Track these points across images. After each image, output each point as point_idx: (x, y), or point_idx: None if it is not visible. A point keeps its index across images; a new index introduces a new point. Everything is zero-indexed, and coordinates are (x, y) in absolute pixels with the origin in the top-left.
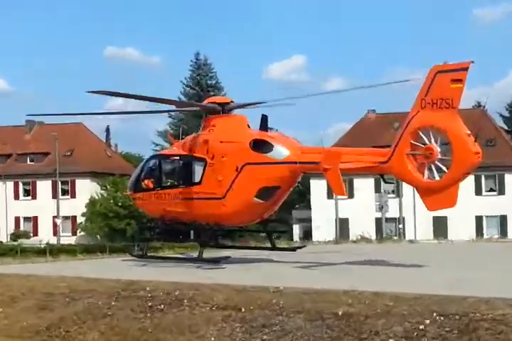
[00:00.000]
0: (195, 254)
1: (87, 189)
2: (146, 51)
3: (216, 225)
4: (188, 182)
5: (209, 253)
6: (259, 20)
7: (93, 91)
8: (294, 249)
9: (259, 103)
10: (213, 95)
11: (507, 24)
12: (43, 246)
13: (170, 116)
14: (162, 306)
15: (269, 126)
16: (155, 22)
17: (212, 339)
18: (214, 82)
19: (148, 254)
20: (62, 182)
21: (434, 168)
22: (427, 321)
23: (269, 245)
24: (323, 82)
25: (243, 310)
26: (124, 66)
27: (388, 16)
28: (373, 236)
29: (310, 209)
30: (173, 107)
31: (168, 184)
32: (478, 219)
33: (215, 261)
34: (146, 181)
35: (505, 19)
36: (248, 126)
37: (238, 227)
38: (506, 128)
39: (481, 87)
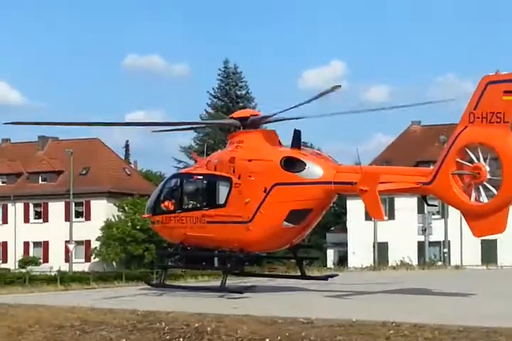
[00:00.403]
0: (218, 283)
1: (103, 211)
2: (169, 59)
3: (241, 251)
4: (211, 204)
5: (233, 282)
6: (292, 22)
7: (12, 123)
8: (325, 278)
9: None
10: (243, 107)
11: None
12: (53, 273)
13: (195, 131)
14: (181, 339)
15: (303, 139)
16: (180, 27)
17: None
18: (244, 92)
19: (166, 283)
20: (76, 204)
21: (482, 190)
22: None
23: (298, 273)
24: (364, 91)
25: None
26: (146, 75)
27: (436, 18)
28: (415, 262)
29: (346, 232)
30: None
31: (190, 206)
32: None
33: (239, 291)
34: (165, 203)
35: None
36: (279, 142)
37: (265, 253)
38: None
39: None
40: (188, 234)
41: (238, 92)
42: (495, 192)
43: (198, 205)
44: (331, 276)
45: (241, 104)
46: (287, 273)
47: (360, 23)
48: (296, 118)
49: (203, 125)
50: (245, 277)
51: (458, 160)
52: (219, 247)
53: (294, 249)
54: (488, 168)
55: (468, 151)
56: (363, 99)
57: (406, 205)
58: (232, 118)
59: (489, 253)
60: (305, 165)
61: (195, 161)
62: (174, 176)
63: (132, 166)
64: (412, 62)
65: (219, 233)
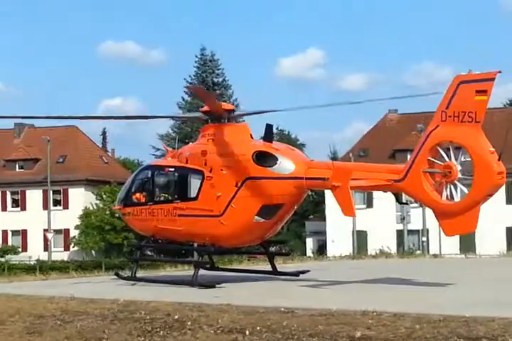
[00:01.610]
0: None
1: (81, 199)
2: (147, 46)
3: (212, 246)
4: (183, 197)
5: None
6: (269, 10)
7: None
8: (296, 274)
9: (253, 113)
10: (220, 94)
11: None
12: (32, 262)
13: (172, 119)
14: (162, 329)
15: (280, 128)
16: (156, 14)
17: None
18: (221, 79)
19: (137, 276)
20: (54, 192)
21: (453, 188)
22: None
23: (269, 268)
24: (341, 79)
25: (251, 333)
26: (123, 62)
27: (411, 7)
28: (394, 251)
29: (325, 220)
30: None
31: (161, 198)
32: (510, 231)
33: (211, 286)
34: (137, 194)
35: None
36: (251, 135)
37: (237, 249)
38: None
39: None
40: (158, 227)
41: (215, 79)
42: (466, 191)
43: (170, 198)
44: (303, 272)
45: (218, 92)
46: (260, 268)
47: (337, 10)
48: (267, 112)
49: (173, 118)
50: (217, 271)
51: (429, 158)
52: (190, 241)
53: (266, 244)
54: (459, 167)
55: (439, 150)
56: (341, 87)
57: (384, 194)
58: (201, 111)
59: (468, 242)
60: (277, 159)
61: (166, 152)
62: (145, 168)
63: (110, 154)
64: (389, 50)
65: (190, 226)
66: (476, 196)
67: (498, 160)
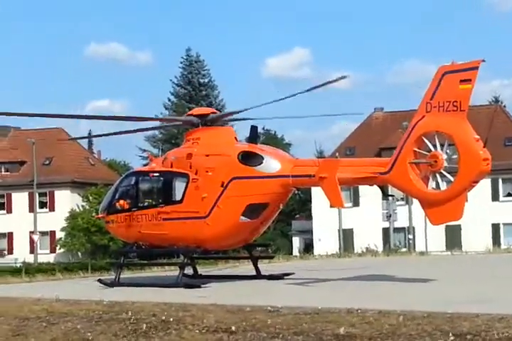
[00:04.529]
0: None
1: (67, 201)
2: (133, 47)
3: (198, 248)
4: (168, 201)
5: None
6: (255, 9)
7: None
8: (281, 277)
9: (242, 118)
10: (206, 95)
11: None
12: (18, 265)
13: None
14: (147, 330)
15: (267, 127)
16: (143, 16)
17: None
18: (207, 80)
19: (121, 281)
20: (40, 194)
21: (439, 177)
22: None
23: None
24: (327, 78)
25: (236, 332)
26: (109, 63)
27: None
28: (380, 249)
29: (311, 219)
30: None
31: (146, 204)
32: (495, 228)
33: (197, 286)
34: (120, 201)
35: None
36: (236, 138)
37: (221, 253)
38: None
39: (499, 79)
40: (143, 232)
41: (201, 80)
42: (452, 179)
43: (154, 202)
44: (287, 274)
45: (204, 92)
46: (244, 273)
47: (323, 8)
48: (255, 119)
49: (162, 124)
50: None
51: (415, 149)
52: (175, 245)
53: (249, 247)
54: (445, 156)
55: (425, 140)
56: (327, 86)
57: (371, 192)
58: (191, 115)
59: (453, 238)
60: (262, 159)
61: (151, 161)
62: (129, 174)
63: (96, 156)
64: (375, 49)
65: (175, 230)
66: (462, 183)
67: (483, 147)
